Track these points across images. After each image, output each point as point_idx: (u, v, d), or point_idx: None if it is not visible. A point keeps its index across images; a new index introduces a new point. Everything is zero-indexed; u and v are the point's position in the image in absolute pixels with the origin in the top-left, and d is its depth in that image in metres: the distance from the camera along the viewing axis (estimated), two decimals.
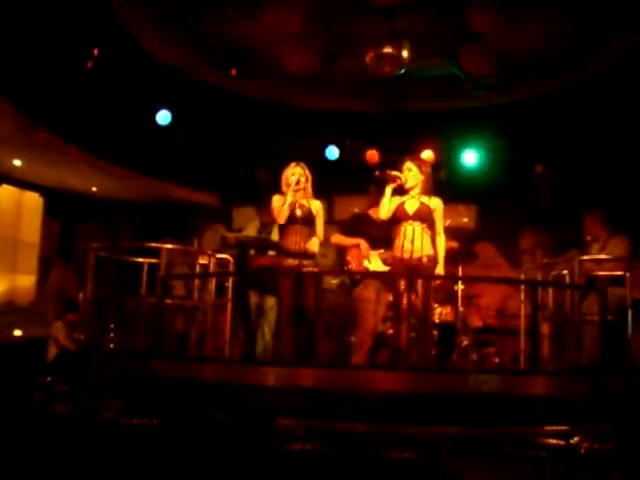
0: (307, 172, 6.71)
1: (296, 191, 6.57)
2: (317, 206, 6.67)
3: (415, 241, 6.29)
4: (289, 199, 6.51)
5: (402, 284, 6.19)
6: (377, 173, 6.91)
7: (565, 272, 7.53)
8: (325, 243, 6.91)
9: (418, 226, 6.32)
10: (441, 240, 6.43)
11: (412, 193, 6.44)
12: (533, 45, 9.14)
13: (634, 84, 9.12)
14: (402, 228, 6.33)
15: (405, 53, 8.46)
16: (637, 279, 7.29)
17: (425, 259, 6.30)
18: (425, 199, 6.44)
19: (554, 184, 10.89)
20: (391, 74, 8.73)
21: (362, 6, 8.38)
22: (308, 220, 6.59)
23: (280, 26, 8.51)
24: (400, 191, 6.46)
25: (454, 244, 7.12)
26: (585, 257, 7.60)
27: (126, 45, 9.06)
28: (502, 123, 10.35)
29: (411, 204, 6.39)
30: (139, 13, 8.85)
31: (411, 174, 6.46)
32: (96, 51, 8.77)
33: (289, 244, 6.55)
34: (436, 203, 6.46)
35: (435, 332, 7.71)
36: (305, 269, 6.54)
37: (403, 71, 8.68)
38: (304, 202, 6.61)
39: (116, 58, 9.05)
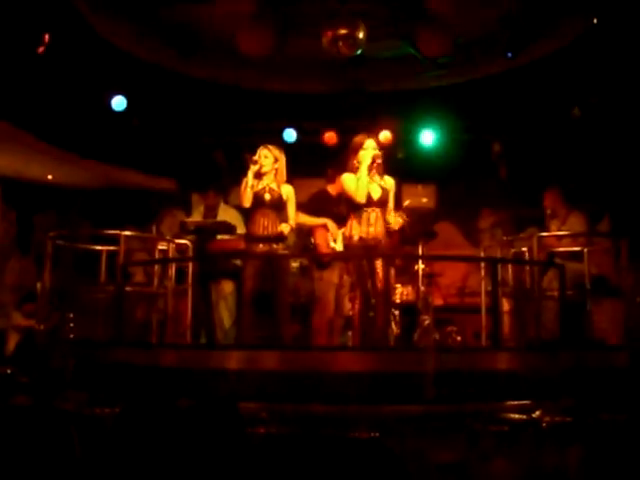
0: (276, 153, 6.57)
1: (262, 174, 6.46)
2: (288, 191, 6.53)
3: (376, 226, 6.25)
4: (249, 182, 6.39)
5: (366, 265, 6.20)
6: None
7: (524, 249, 7.59)
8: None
9: (378, 212, 6.27)
10: (391, 216, 6.40)
11: (371, 175, 6.29)
12: (487, 26, 9.15)
13: (589, 63, 9.20)
14: (365, 214, 6.23)
15: (361, 34, 8.41)
16: (595, 255, 7.39)
17: (382, 241, 6.29)
18: (381, 181, 6.38)
19: (512, 163, 10.95)
20: (348, 55, 8.69)
21: None
22: (277, 205, 6.45)
23: (233, 7, 8.42)
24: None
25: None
26: (544, 233, 7.68)
27: (79, 29, 8.87)
28: (459, 102, 10.36)
29: (374, 189, 6.28)
30: None
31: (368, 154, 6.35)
32: (48, 36, 8.59)
33: (257, 229, 6.43)
34: (391, 184, 6.43)
35: (397, 312, 7.73)
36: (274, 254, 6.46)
37: (360, 52, 8.63)
38: (274, 186, 6.50)
39: (69, 43, 8.88)
